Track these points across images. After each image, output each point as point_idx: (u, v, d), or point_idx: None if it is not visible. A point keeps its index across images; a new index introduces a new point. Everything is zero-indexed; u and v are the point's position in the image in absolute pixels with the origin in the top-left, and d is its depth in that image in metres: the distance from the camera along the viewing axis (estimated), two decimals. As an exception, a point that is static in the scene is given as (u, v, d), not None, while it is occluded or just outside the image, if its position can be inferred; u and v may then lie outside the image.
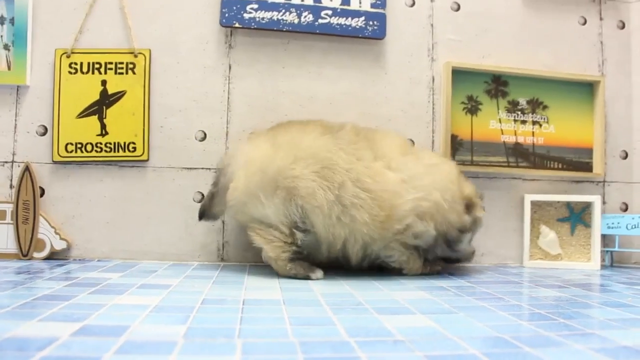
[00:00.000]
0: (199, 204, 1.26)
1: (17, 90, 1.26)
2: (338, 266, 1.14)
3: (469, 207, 1.14)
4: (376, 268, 1.16)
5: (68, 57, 1.26)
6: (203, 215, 1.21)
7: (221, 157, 1.24)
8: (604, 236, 1.43)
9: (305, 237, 1.06)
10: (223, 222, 1.28)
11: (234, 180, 1.08)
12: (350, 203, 1.03)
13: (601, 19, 1.51)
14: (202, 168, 1.29)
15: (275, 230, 1.05)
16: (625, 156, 1.50)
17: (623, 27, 1.52)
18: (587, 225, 1.40)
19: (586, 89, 1.48)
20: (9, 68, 1.24)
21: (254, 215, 1.07)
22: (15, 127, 1.25)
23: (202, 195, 1.28)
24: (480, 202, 1.18)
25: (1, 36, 1.25)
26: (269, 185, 1.04)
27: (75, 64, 1.26)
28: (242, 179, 1.07)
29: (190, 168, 1.29)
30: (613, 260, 1.44)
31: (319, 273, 1.05)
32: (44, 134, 1.26)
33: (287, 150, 1.06)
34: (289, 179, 1.03)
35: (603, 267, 1.38)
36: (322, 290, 0.90)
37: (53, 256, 1.23)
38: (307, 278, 1.03)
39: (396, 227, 1.05)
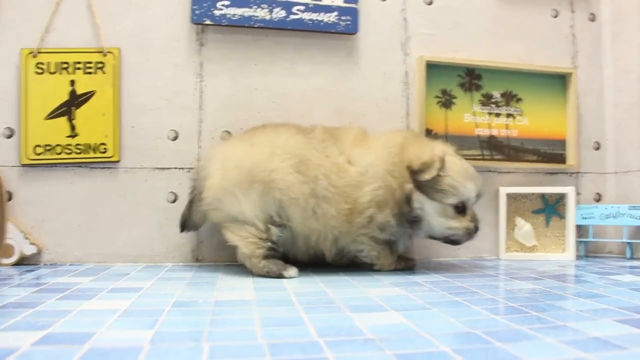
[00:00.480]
0: (172, 204, 1.25)
1: (-18, 91, 1.23)
2: (318, 263, 1.13)
3: (414, 173, 1.05)
4: (353, 264, 1.16)
5: (34, 56, 1.23)
6: (185, 225, 1.20)
7: (197, 163, 1.23)
8: (578, 227, 1.44)
9: (280, 233, 1.06)
10: (197, 222, 1.27)
11: (210, 178, 1.08)
12: (322, 196, 1.05)
13: (573, 11, 1.52)
14: (175, 168, 1.27)
15: (250, 226, 1.05)
16: (598, 147, 1.51)
17: (594, 19, 1.53)
18: (562, 216, 1.41)
19: (559, 81, 1.48)
20: (-28, 69, 1.21)
21: (230, 212, 1.06)
22: (-20, 130, 1.22)
23: (175, 195, 1.26)
24: (431, 164, 1.05)
25: (-37, 37, 1.22)
26: (246, 180, 1.05)
27: (42, 64, 1.24)
28: (218, 176, 1.07)
29: (163, 168, 1.27)
30: (588, 251, 1.46)
31: (292, 271, 1.04)
32: (10, 136, 1.23)
33: (263, 146, 1.08)
34: (266, 172, 1.04)
35: (578, 257, 1.39)
36: (295, 289, 0.90)
37: (23, 262, 1.20)
38: (281, 276, 1.02)
39: (358, 220, 1.06)
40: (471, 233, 1.09)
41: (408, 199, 1.07)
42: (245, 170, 1.05)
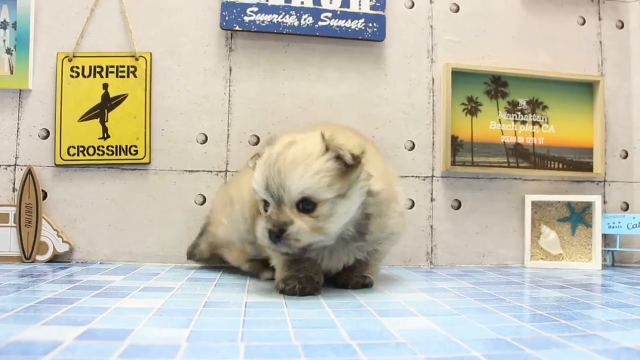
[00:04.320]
0: (201, 207, 1.28)
1: (20, 94, 1.26)
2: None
3: None
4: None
5: (70, 60, 1.27)
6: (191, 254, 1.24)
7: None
8: (605, 236, 1.44)
9: (254, 250, 1.08)
10: (225, 224, 1.29)
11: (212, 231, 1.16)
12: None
13: (600, 19, 1.51)
14: (204, 170, 1.29)
15: (234, 244, 1.11)
16: (626, 155, 1.50)
17: (622, 26, 1.52)
18: (588, 225, 1.40)
19: (586, 89, 1.48)
20: (11, 72, 1.25)
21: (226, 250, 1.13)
22: (17, 131, 1.26)
23: (204, 197, 1.28)
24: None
25: (4, 40, 1.25)
26: (226, 206, 1.12)
27: (77, 67, 1.27)
28: (217, 228, 1.14)
29: (192, 170, 1.29)
30: (614, 260, 1.44)
31: (266, 274, 1.05)
32: (46, 137, 1.26)
33: (240, 176, 1.17)
34: (238, 195, 1.08)
35: (604, 267, 1.38)
36: (323, 292, 0.91)
37: (56, 259, 1.24)
38: (257, 277, 1.07)
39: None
40: (264, 236, 0.84)
41: None
42: (226, 200, 1.12)
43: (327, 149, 0.84)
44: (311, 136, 0.87)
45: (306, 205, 0.82)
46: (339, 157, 0.83)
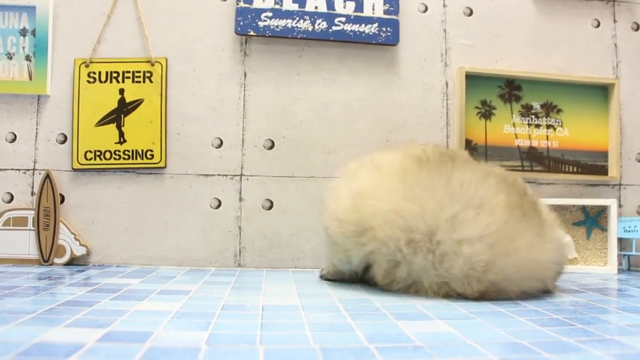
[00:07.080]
0: (216, 210, 1.29)
1: (38, 99, 1.28)
2: None
3: None
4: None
5: (87, 66, 1.28)
6: None
7: None
8: (620, 240, 1.43)
9: None
10: (240, 228, 1.30)
11: None
12: None
13: (615, 21, 1.51)
14: (219, 174, 1.30)
15: None
16: (641, 159, 1.50)
17: (637, 28, 1.51)
18: (604, 229, 1.39)
19: (600, 92, 1.47)
20: (30, 78, 1.27)
21: None
22: (36, 136, 1.28)
23: (219, 201, 1.30)
24: None
25: (23, 47, 1.28)
26: None
27: (94, 73, 1.29)
28: None
29: (207, 175, 1.30)
30: (630, 264, 1.44)
31: None
32: (63, 142, 1.28)
33: None
34: None
35: (620, 271, 1.38)
36: (339, 296, 0.91)
37: (73, 262, 1.25)
38: None
39: None
40: None
41: None
42: None
43: None
44: None
45: None
46: None
